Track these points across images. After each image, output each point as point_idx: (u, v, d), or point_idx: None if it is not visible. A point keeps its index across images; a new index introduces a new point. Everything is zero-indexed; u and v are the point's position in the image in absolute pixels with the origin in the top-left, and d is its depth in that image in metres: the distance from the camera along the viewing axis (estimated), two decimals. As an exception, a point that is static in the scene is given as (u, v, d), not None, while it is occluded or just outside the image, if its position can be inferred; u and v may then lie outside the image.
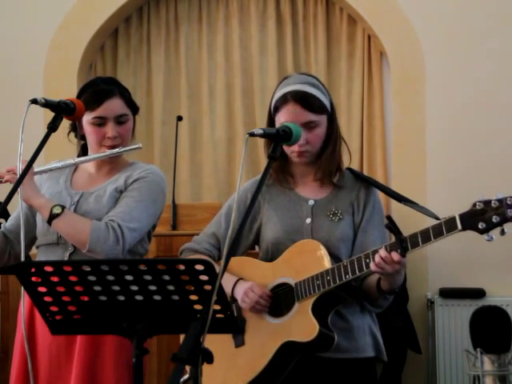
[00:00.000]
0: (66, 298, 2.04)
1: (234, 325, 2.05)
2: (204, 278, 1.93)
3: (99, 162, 2.86)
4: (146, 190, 2.77)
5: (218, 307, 1.96)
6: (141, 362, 2.02)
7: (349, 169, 2.76)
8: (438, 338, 5.20)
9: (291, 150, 2.63)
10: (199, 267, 1.91)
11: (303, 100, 2.62)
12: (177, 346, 2.42)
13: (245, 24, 5.85)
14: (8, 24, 5.70)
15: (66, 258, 2.74)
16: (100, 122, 2.78)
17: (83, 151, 2.91)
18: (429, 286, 5.33)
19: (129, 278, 1.96)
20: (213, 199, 5.62)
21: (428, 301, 5.28)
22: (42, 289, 2.03)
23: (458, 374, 5.17)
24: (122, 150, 2.81)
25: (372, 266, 2.41)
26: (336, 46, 5.78)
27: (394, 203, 5.17)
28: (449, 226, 2.31)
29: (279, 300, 2.60)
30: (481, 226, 2.26)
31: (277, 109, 2.67)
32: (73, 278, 2.00)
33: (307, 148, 2.63)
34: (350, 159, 2.80)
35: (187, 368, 2.20)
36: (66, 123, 2.72)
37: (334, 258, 2.57)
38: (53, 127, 2.43)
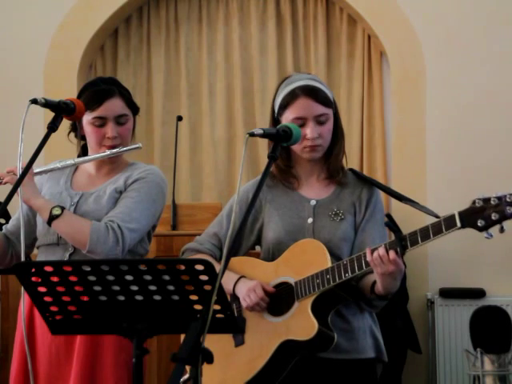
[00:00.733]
0: (65, 298, 2.05)
1: (234, 325, 2.05)
2: (204, 277, 1.93)
3: (99, 163, 2.86)
4: (145, 191, 2.77)
5: (217, 307, 1.96)
6: (141, 361, 2.02)
7: (351, 169, 2.76)
8: (438, 338, 5.20)
9: (303, 146, 2.62)
10: (199, 267, 1.91)
11: (313, 93, 2.63)
12: (177, 346, 2.42)
13: (245, 24, 5.85)
14: (8, 24, 5.69)
15: (65, 259, 2.74)
16: (100, 123, 2.78)
17: (83, 151, 2.91)
18: (429, 286, 5.33)
19: (129, 278, 1.96)
20: (213, 199, 5.62)
21: (428, 301, 5.28)
22: (42, 289, 2.03)
23: (458, 373, 5.17)
24: (122, 150, 2.81)
25: (368, 257, 2.40)
26: (336, 46, 5.78)
27: (394, 202, 5.17)
28: (448, 223, 2.30)
29: (279, 299, 2.60)
30: (480, 223, 2.26)
31: (285, 106, 2.65)
32: (73, 278, 2.00)
33: (320, 142, 2.62)
34: (346, 159, 2.80)
35: (187, 368, 2.21)
36: (66, 123, 2.72)
37: (336, 257, 2.57)
38: (53, 127, 2.43)
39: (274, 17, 5.79)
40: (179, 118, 5.15)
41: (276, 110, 2.70)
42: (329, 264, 2.51)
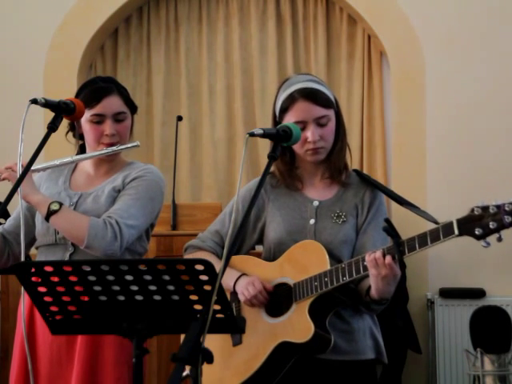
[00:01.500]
0: (66, 298, 2.05)
1: (233, 325, 2.05)
2: (204, 278, 1.93)
3: (97, 162, 2.86)
4: (143, 189, 2.78)
5: (218, 307, 1.96)
6: (141, 361, 2.02)
7: (355, 170, 2.76)
8: (438, 338, 5.20)
9: (305, 149, 2.62)
10: (199, 267, 1.91)
11: (312, 95, 2.62)
12: (177, 346, 2.42)
13: (245, 24, 5.85)
14: (8, 24, 5.69)
15: (66, 259, 2.74)
16: (98, 120, 2.79)
17: (82, 151, 2.91)
18: (429, 286, 5.33)
19: (129, 278, 1.96)
20: (213, 199, 5.62)
21: (428, 301, 5.28)
22: (42, 289, 2.04)
23: (458, 373, 5.17)
24: (120, 147, 2.81)
25: (366, 258, 2.40)
26: (336, 46, 5.78)
27: (394, 206, 5.17)
28: (446, 230, 2.30)
29: (278, 300, 2.60)
30: (477, 231, 2.25)
31: (285, 110, 2.65)
32: (73, 278, 2.00)
33: (322, 144, 2.62)
34: (350, 158, 2.79)
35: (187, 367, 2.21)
36: (64, 123, 2.72)
37: (336, 260, 2.57)
38: (53, 127, 2.43)
39: (274, 17, 5.79)
40: (179, 118, 5.14)
41: (277, 114, 2.69)
42: (328, 266, 2.51)
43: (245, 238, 2.74)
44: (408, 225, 3.33)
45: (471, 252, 5.15)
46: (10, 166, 2.74)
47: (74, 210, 2.75)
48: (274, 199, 2.72)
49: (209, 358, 1.79)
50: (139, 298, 1.99)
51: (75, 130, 2.88)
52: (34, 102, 2.42)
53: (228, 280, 2.63)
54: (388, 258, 2.37)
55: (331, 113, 2.65)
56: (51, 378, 2.70)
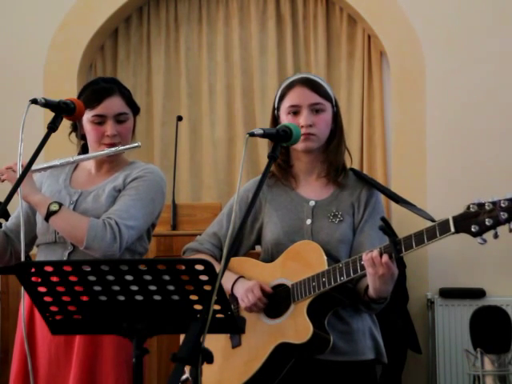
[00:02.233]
0: (65, 298, 2.05)
1: (233, 325, 2.05)
2: (204, 277, 1.93)
3: (99, 161, 2.86)
4: (144, 189, 2.77)
5: (217, 307, 1.96)
6: (141, 361, 2.02)
7: (352, 169, 2.76)
8: (438, 338, 5.20)
9: None
10: (199, 267, 1.91)
11: (309, 82, 2.65)
12: (177, 346, 2.42)
13: (245, 24, 5.85)
14: (8, 24, 5.70)
15: (65, 258, 2.74)
16: (100, 120, 2.79)
17: (84, 151, 2.91)
18: (429, 286, 5.33)
19: (129, 278, 1.96)
20: (213, 199, 5.62)
21: (428, 301, 5.28)
22: (42, 289, 2.03)
23: (458, 373, 5.17)
24: (121, 148, 2.81)
25: (363, 257, 2.40)
26: (336, 46, 5.78)
27: (393, 205, 5.17)
28: (442, 228, 2.29)
29: (276, 301, 2.60)
30: (474, 228, 2.24)
31: (282, 97, 2.67)
32: (73, 278, 2.00)
33: (314, 131, 2.62)
34: (351, 160, 2.80)
35: (186, 369, 2.21)
36: (67, 123, 2.72)
37: (334, 259, 2.56)
38: (53, 127, 2.43)
39: (274, 17, 5.79)
40: (179, 118, 5.15)
41: (276, 105, 2.71)
42: (325, 266, 2.51)
43: (242, 239, 2.74)
44: (407, 223, 3.33)
45: (471, 252, 5.15)
46: (10, 167, 2.74)
47: (73, 211, 2.74)
48: (270, 200, 2.72)
49: (209, 358, 1.79)
50: (139, 298, 1.99)
51: (78, 130, 2.88)
52: (34, 102, 2.42)
53: (225, 283, 2.63)
54: (385, 257, 2.37)
55: (327, 104, 2.66)
56: (49, 378, 2.70)
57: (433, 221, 2.37)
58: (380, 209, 2.69)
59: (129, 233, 2.70)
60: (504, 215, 2.20)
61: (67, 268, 1.99)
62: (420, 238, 2.33)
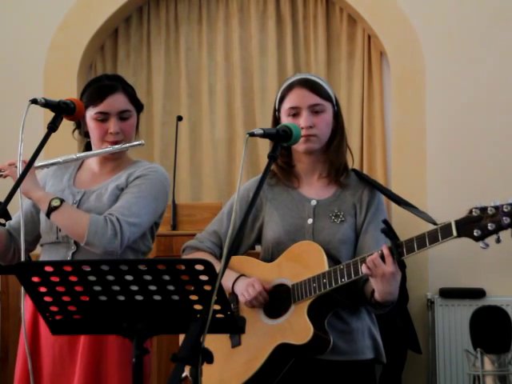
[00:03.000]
0: (66, 298, 2.04)
1: (233, 325, 2.05)
2: (204, 277, 1.93)
3: (102, 160, 2.86)
4: (146, 187, 2.77)
5: (217, 307, 1.96)
6: (141, 361, 2.02)
7: (354, 170, 2.76)
8: (438, 338, 5.20)
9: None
10: (199, 267, 1.91)
11: (309, 83, 2.65)
12: (177, 346, 2.43)
13: (245, 24, 5.85)
14: (8, 24, 5.70)
15: (68, 257, 2.74)
16: (103, 118, 2.79)
17: (87, 149, 2.91)
18: (429, 286, 5.33)
19: (129, 278, 1.96)
20: (213, 199, 5.62)
21: (428, 301, 5.28)
22: (42, 289, 2.03)
23: (458, 373, 5.17)
24: (124, 146, 2.80)
25: (363, 268, 2.40)
26: (336, 46, 5.78)
27: (394, 206, 5.18)
28: (444, 232, 2.29)
29: (277, 301, 2.60)
30: (476, 233, 2.24)
31: (282, 98, 2.67)
32: (73, 278, 2.00)
33: (314, 132, 2.62)
34: (352, 160, 2.80)
35: (186, 367, 2.21)
36: (69, 122, 2.72)
37: (334, 260, 2.56)
38: (53, 127, 2.43)
39: (274, 17, 5.79)
40: (179, 118, 5.15)
41: (276, 106, 2.71)
42: (326, 267, 2.51)
43: (243, 238, 2.74)
44: (408, 225, 3.33)
45: (471, 252, 5.14)
46: (13, 162, 2.73)
47: (74, 207, 2.74)
48: (271, 199, 2.72)
49: (209, 358, 1.79)
50: (139, 298, 1.99)
51: (81, 127, 2.88)
52: (34, 102, 2.42)
53: (226, 281, 2.63)
54: (388, 258, 2.37)
55: (327, 105, 2.65)
56: (54, 378, 2.70)
57: (434, 223, 2.37)
58: (383, 210, 2.68)
59: (130, 230, 2.70)
60: (506, 220, 2.20)
61: (67, 268, 1.99)
62: (422, 242, 2.33)
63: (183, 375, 2.44)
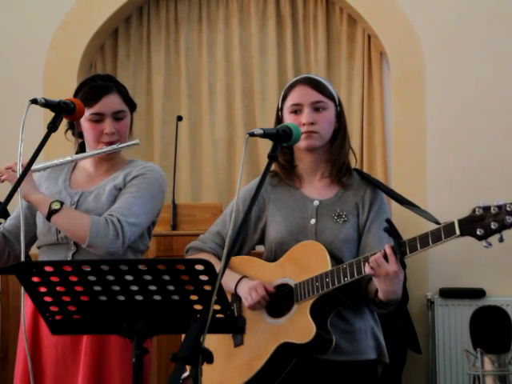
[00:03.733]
0: (66, 298, 2.05)
1: (234, 325, 2.05)
2: (204, 277, 1.93)
3: (97, 160, 2.86)
4: (144, 187, 2.77)
5: (217, 307, 1.96)
6: (141, 361, 2.02)
7: (356, 170, 2.76)
8: (438, 338, 5.20)
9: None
10: (199, 267, 1.91)
11: (311, 81, 2.67)
12: (177, 346, 2.42)
13: (245, 24, 5.85)
14: (8, 24, 5.69)
15: (69, 258, 2.74)
16: (98, 118, 2.79)
17: (81, 149, 2.91)
18: (429, 286, 5.33)
19: (129, 278, 1.96)
20: (213, 199, 5.62)
21: (428, 301, 5.28)
22: (42, 289, 2.03)
23: (458, 373, 5.16)
24: (120, 146, 2.81)
25: (367, 268, 2.40)
26: (336, 46, 5.78)
27: (394, 205, 5.18)
28: (447, 231, 2.30)
29: (279, 300, 2.60)
30: (479, 232, 2.25)
31: (285, 97, 2.68)
32: (73, 278, 2.00)
33: (315, 128, 2.62)
34: (355, 159, 2.80)
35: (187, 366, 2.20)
36: (64, 121, 2.71)
37: (337, 259, 2.56)
38: (53, 127, 2.43)
39: (274, 17, 5.79)
40: (179, 118, 5.14)
41: (279, 105, 2.72)
42: (329, 267, 2.51)
43: (246, 238, 2.74)
44: (409, 224, 3.33)
45: (471, 252, 5.14)
46: (10, 166, 2.73)
47: (75, 209, 2.75)
48: (274, 199, 2.72)
49: (209, 358, 1.79)
50: (139, 298, 1.99)
51: (74, 128, 2.88)
52: (34, 102, 2.42)
53: (229, 282, 2.63)
54: (391, 256, 2.37)
55: (330, 103, 2.66)
56: (57, 379, 2.70)
57: (437, 223, 2.37)
58: (386, 209, 2.69)
59: (131, 230, 2.70)
60: (510, 219, 2.20)
61: (67, 268, 1.99)
62: (425, 241, 2.33)
63: (184, 375, 2.44)
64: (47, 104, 2.44)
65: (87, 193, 2.81)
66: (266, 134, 2.29)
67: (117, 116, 2.81)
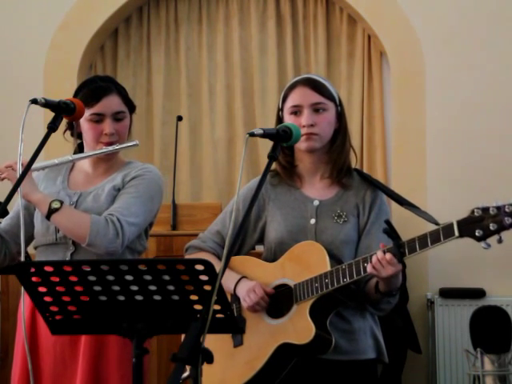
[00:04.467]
0: (66, 298, 2.05)
1: (233, 325, 2.05)
2: (204, 278, 1.93)
3: (96, 161, 2.86)
4: (143, 187, 2.78)
5: (217, 307, 1.96)
6: (141, 361, 2.02)
7: (356, 170, 2.76)
8: (438, 338, 5.20)
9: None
10: (199, 267, 1.91)
11: (311, 82, 2.66)
12: (177, 346, 2.42)
13: (245, 24, 5.85)
14: (8, 24, 5.70)
15: (67, 258, 2.74)
16: (97, 119, 2.79)
17: (80, 150, 2.91)
18: (429, 286, 5.33)
19: (129, 278, 1.96)
20: (213, 199, 5.62)
21: (428, 301, 5.28)
22: (42, 289, 2.03)
23: (458, 373, 5.17)
24: (119, 146, 2.81)
25: (368, 268, 2.40)
26: (336, 46, 5.78)
27: (394, 206, 5.18)
28: (446, 232, 2.30)
29: (279, 301, 2.60)
30: (478, 233, 2.25)
31: (285, 98, 2.68)
32: (73, 278, 2.00)
33: (316, 130, 2.62)
34: (356, 160, 2.80)
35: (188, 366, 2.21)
36: (63, 121, 2.71)
37: (337, 260, 2.56)
38: (53, 127, 2.43)
39: (274, 17, 5.79)
40: (179, 118, 5.14)
41: (280, 106, 2.72)
42: (328, 267, 2.51)
43: (245, 237, 2.74)
44: (408, 225, 3.33)
45: (471, 252, 5.13)
46: (10, 165, 2.73)
47: (74, 208, 2.75)
48: (274, 198, 2.72)
49: (209, 358, 1.79)
50: (139, 298, 1.99)
51: (73, 128, 2.88)
52: (34, 102, 2.42)
53: (228, 283, 2.63)
54: (389, 257, 2.37)
55: (330, 104, 2.66)
56: (55, 378, 2.70)
57: (436, 224, 2.37)
58: (386, 210, 2.69)
59: (130, 229, 2.71)
60: (508, 220, 2.20)
61: (67, 268, 1.99)
62: (424, 242, 2.34)
63: (185, 375, 2.44)
64: (47, 104, 2.44)
65: (86, 193, 2.81)
66: (265, 134, 2.29)
67: (117, 117, 2.81)
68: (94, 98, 2.78)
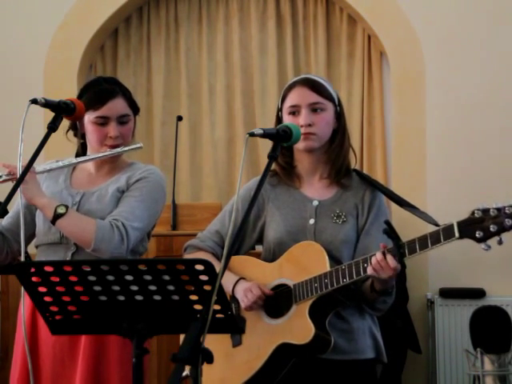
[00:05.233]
0: (66, 298, 2.05)
1: (233, 325, 2.05)
2: (204, 277, 1.93)
3: (99, 162, 2.86)
4: (147, 190, 2.78)
5: (217, 307, 1.96)
6: (141, 361, 2.02)
7: (355, 170, 2.76)
8: (438, 338, 5.20)
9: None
10: (199, 267, 1.91)
11: (309, 82, 2.67)
12: (177, 346, 2.42)
13: (245, 24, 5.85)
14: (8, 24, 5.70)
15: (68, 258, 2.74)
16: (102, 122, 2.79)
17: (83, 149, 2.91)
18: (429, 286, 5.33)
19: (129, 278, 1.96)
20: (213, 199, 5.62)
21: (428, 301, 5.28)
22: (42, 289, 2.04)
23: (458, 373, 5.17)
24: (124, 149, 2.81)
25: (369, 270, 2.40)
26: (336, 46, 5.78)
27: (394, 207, 5.18)
28: (446, 233, 2.30)
29: (278, 301, 2.60)
30: (478, 234, 2.25)
31: (284, 98, 2.68)
32: (73, 278, 2.00)
33: (313, 130, 2.62)
34: (355, 160, 2.80)
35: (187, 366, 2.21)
36: (65, 122, 2.72)
37: (336, 260, 2.56)
38: (53, 127, 2.43)
39: (274, 17, 5.79)
40: (179, 118, 5.15)
41: (279, 106, 2.72)
42: (327, 267, 2.51)
43: (244, 237, 2.74)
44: (408, 226, 3.33)
45: (471, 252, 5.10)
46: (8, 165, 2.73)
47: (79, 213, 2.74)
48: (273, 198, 2.72)
49: (209, 358, 1.79)
50: (139, 298, 1.99)
51: (77, 129, 2.88)
52: (34, 102, 2.42)
53: (227, 284, 2.63)
54: (390, 259, 2.38)
55: (328, 104, 2.66)
56: (54, 378, 2.70)
57: (436, 225, 2.37)
58: (385, 211, 2.69)
59: (135, 234, 2.71)
60: (509, 222, 2.20)
61: (67, 268, 1.99)
62: (424, 243, 2.34)
63: (184, 374, 2.45)
64: (47, 104, 2.44)
65: (89, 193, 2.81)
66: (265, 134, 2.29)
67: (121, 120, 2.81)
68: (100, 101, 2.78)
